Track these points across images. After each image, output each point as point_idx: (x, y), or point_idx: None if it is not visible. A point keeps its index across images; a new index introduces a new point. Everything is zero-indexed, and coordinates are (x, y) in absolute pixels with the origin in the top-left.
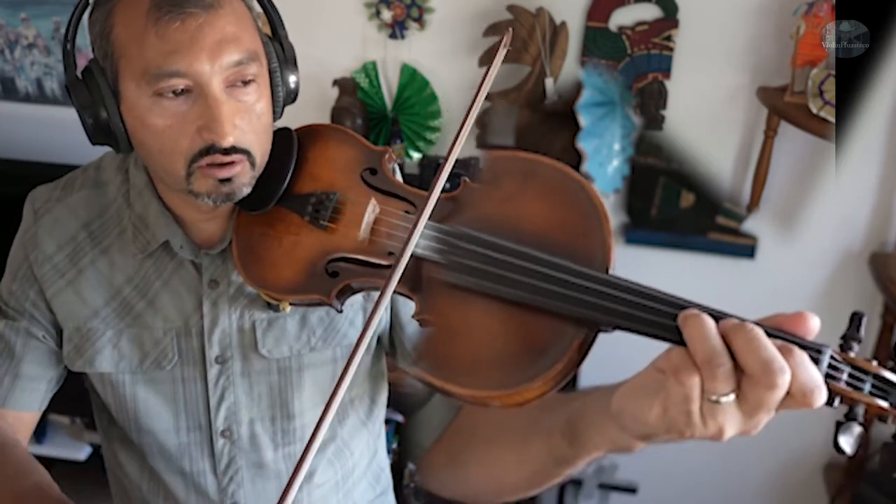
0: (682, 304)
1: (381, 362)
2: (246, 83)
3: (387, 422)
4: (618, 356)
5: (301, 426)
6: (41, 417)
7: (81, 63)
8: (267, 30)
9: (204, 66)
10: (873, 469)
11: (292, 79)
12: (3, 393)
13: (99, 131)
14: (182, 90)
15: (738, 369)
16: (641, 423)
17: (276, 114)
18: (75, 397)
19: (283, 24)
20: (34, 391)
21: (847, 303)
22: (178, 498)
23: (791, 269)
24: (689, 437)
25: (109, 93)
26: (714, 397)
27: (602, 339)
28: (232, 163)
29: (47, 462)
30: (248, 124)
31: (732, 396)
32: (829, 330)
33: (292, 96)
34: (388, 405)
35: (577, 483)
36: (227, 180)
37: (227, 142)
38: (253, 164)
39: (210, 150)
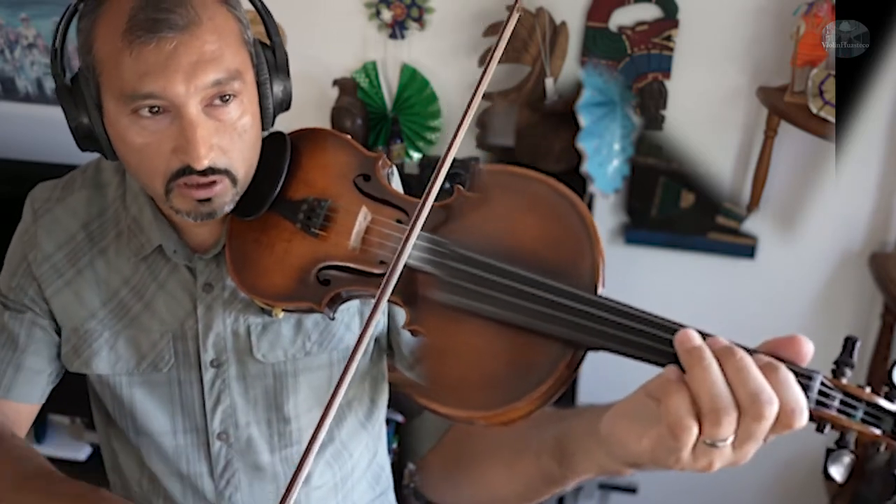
0: (669, 328)
1: (381, 364)
2: (227, 100)
3: (387, 422)
4: (617, 372)
5: (297, 429)
6: (41, 417)
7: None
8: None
9: (178, 88)
10: (873, 469)
11: (282, 89)
12: (5, 384)
13: (85, 140)
14: (159, 109)
15: None
16: (629, 451)
17: (266, 124)
18: (75, 397)
19: (277, 32)
20: (35, 384)
21: (847, 303)
22: (177, 499)
23: (791, 269)
24: (676, 469)
25: (94, 104)
26: (710, 441)
27: (601, 354)
28: (211, 183)
29: None
30: (228, 142)
31: (731, 439)
32: (829, 331)
33: (284, 105)
34: (389, 405)
35: None
36: (207, 200)
37: (202, 165)
38: (234, 181)
39: (185, 171)
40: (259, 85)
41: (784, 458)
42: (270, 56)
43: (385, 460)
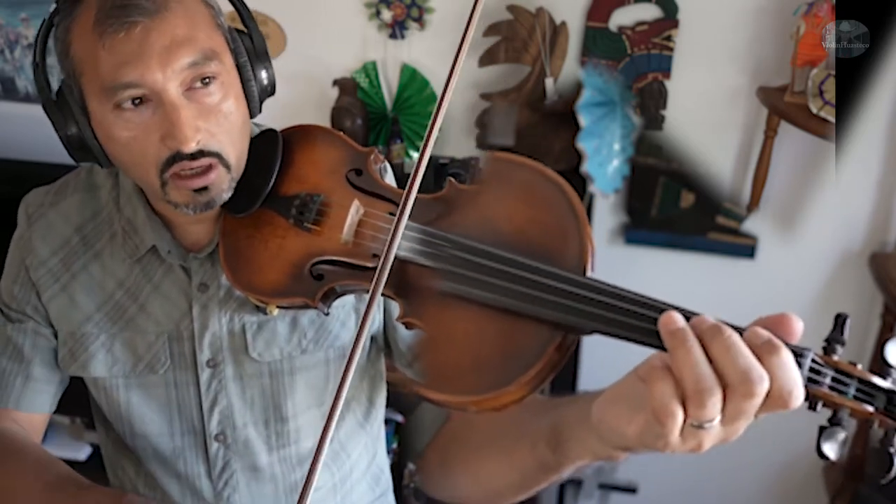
0: (659, 308)
1: (379, 363)
2: (207, 83)
3: (387, 422)
4: (619, 361)
5: (295, 429)
6: None
7: None
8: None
9: (156, 73)
10: (870, 450)
11: (264, 73)
12: (15, 395)
13: (78, 150)
14: (141, 100)
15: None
16: (619, 434)
17: (253, 109)
18: (75, 397)
19: (251, 17)
20: (45, 392)
21: (847, 303)
22: (175, 500)
23: (791, 269)
24: (666, 451)
25: (80, 111)
26: (696, 423)
27: (601, 339)
28: (204, 170)
29: None
30: (215, 125)
31: (718, 419)
32: (828, 331)
33: (268, 90)
34: (388, 405)
35: (577, 483)
36: (204, 189)
37: (190, 147)
38: (228, 166)
39: (176, 157)
40: (239, 69)
41: (784, 458)
42: (248, 41)
43: (385, 462)
